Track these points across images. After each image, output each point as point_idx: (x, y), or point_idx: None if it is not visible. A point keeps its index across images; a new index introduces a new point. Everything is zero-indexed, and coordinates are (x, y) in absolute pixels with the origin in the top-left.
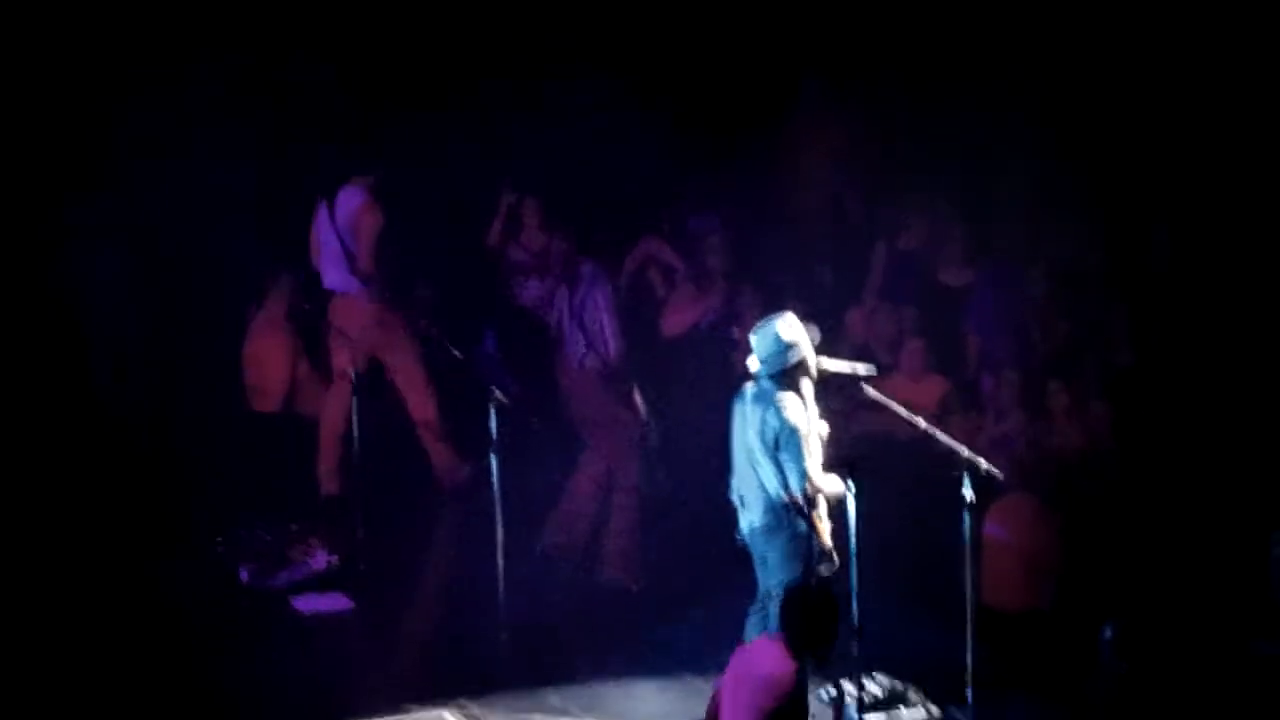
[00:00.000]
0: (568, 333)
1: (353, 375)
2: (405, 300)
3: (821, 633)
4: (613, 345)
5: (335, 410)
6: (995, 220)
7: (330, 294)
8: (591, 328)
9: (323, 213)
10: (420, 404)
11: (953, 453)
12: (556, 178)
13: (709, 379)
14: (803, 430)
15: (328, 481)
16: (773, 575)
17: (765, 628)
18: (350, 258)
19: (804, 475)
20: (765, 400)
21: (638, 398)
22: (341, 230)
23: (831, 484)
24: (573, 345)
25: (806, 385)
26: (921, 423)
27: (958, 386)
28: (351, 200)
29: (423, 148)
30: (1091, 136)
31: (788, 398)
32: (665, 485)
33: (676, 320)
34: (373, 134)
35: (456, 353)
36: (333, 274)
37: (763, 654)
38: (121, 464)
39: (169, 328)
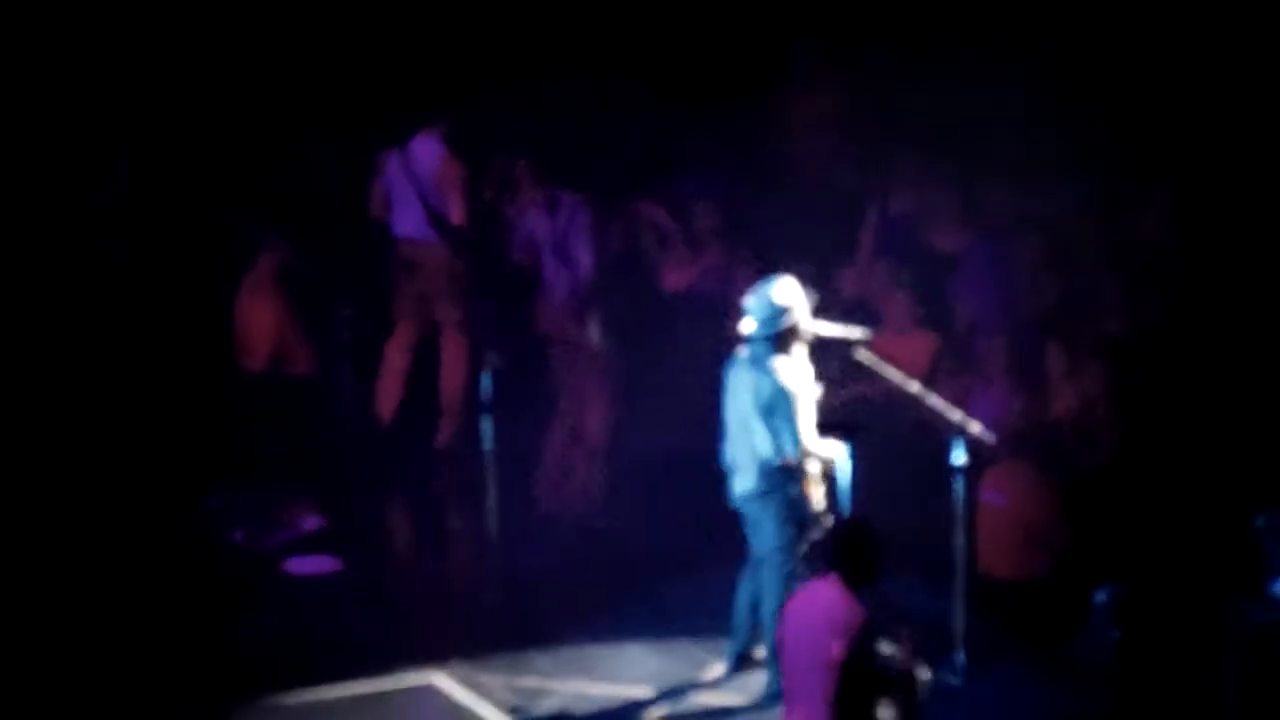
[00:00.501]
0: (548, 267)
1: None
2: (477, 257)
3: (872, 566)
4: (584, 264)
5: (395, 351)
6: (988, 185)
7: (400, 242)
8: (572, 254)
9: (394, 163)
10: (456, 362)
11: (944, 417)
12: (548, 142)
13: (702, 343)
14: (796, 394)
15: (385, 403)
16: (766, 540)
17: (757, 592)
18: (428, 207)
19: (797, 439)
20: (759, 364)
21: (592, 323)
22: (422, 180)
23: (825, 448)
24: (553, 278)
25: (800, 349)
26: (915, 387)
27: (949, 349)
28: (429, 151)
29: (413, 116)
30: (1089, 99)
31: (782, 361)
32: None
33: (673, 280)
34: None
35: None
36: (408, 222)
37: (822, 598)
38: (115, 424)
39: (162, 286)
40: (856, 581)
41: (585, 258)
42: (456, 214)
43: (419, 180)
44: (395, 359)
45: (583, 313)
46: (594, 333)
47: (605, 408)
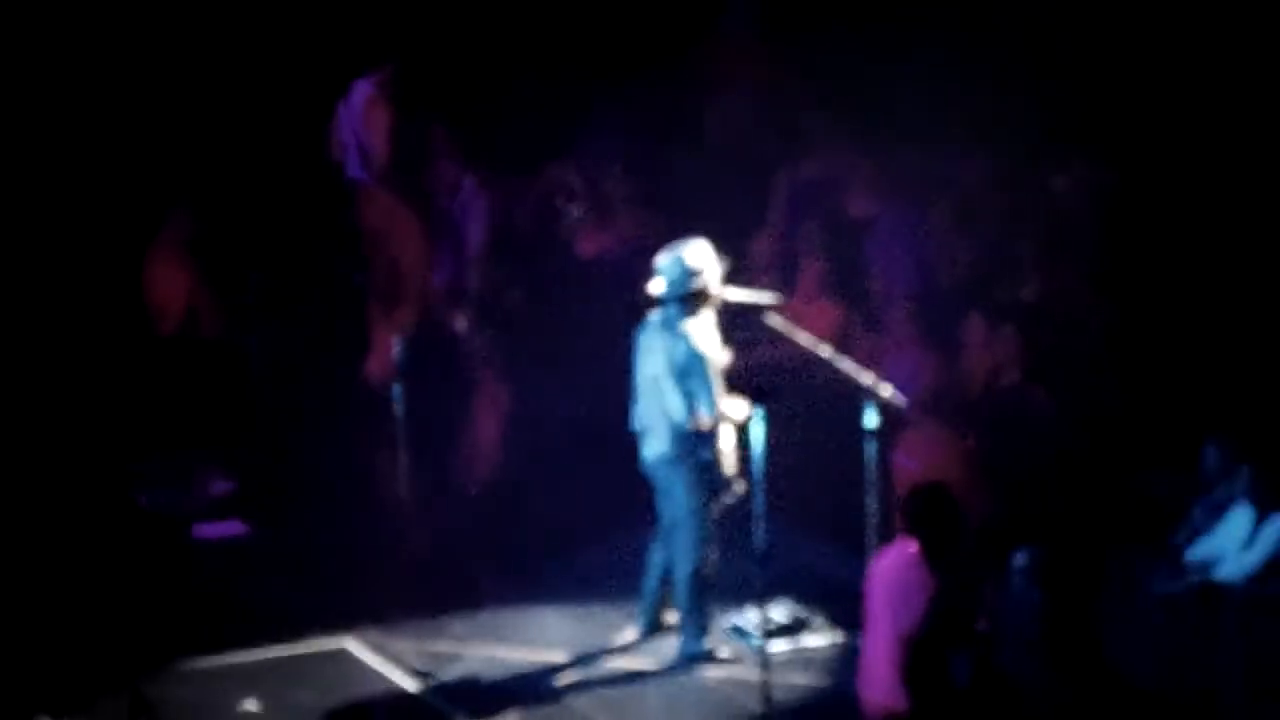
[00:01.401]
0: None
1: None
2: (416, 193)
3: (952, 535)
4: (473, 246)
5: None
6: (900, 152)
7: (353, 184)
8: (465, 236)
9: (342, 108)
10: (402, 301)
11: (856, 381)
12: (461, 104)
13: (613, 308)
14: (709, 358)
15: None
16: (677, 505)
17: (669, 557)
18: (361, 150)
19: (712, 401)
20: (671, 328)
21: (461, 315)
22: (355, 123)
23: (736, 411)
24: (439, 260)
25: (711, 313)
26: (825, 351)
27: (861, 315)
28: (360, 94)
29: (328, 79)
30: (1001, 64)
31: (693, 325)
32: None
33: (586, 247)
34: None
35: (357, 278)
36: (353, 164)
37: (899, 562)
38: (22, 388)
39: (73, 251)
40: (935, 550)
41: (476, 239)
42: (378, 154)
43: (353, 122)
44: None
45: (458, 301)
46: (461, 324)
47: (498, 400)
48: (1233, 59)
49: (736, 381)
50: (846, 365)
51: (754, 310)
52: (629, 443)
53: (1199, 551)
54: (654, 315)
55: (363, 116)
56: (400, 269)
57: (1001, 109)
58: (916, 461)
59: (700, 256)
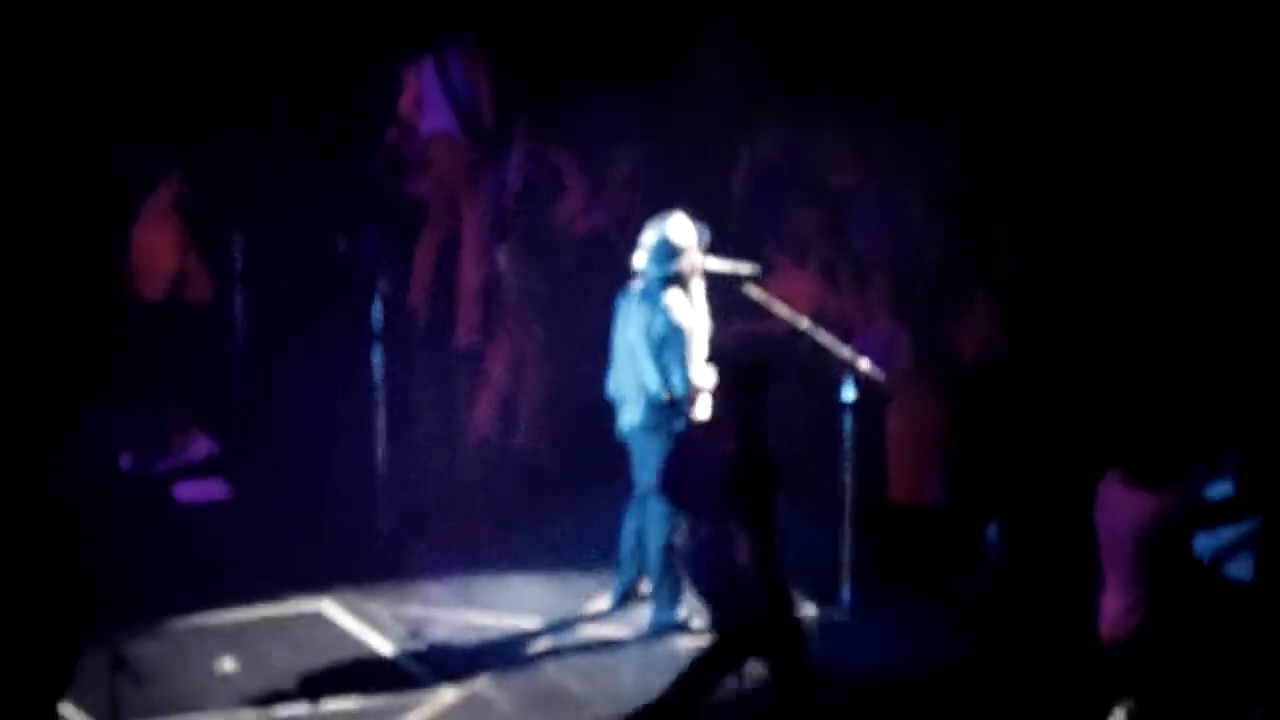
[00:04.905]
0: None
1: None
2: (496, 153)
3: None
4: (510, 189)
5: (427, 255)
6: (875, 138)
7: (430, 140)
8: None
9: (428, 67)
10: (473, 259)
11: (834, 354)
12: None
13: (593, 278)
14: (689, 330)
15: (418, 300)
16: (650, 474)
17: (642, 526)
18: (458, 108)
19: (685, 376)
20: (652, 299)
21: (500, 253)
22: (455, 82)
23: (709, 382)
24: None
25: (694, 284)
26: (803, 323)
27: (838, 286)
28: (460, 58)
29: (314, 40)
30: (976, 55)
31: (675, 296)
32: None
33: (578, 223)
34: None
35: (341, 243)
36: (436, 119)
37: (1121, 498)
38: (7, 347)
39: (56, 214)
40: (1154, 477)
41: (514, 182)
42: (485, 114)
43: (452, 82)
44: (425, 258)
45: (500, 238)
46: (502, 260)
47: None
48: (1221, 57)
49: (715, 353)
50: (824, 338)
51: (733, 280)
52: (603, 409)
53: None
54: (635, 284)
55: (464, 74)
56: (472, 226)
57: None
58: (900, 420)
59: (681, 229)
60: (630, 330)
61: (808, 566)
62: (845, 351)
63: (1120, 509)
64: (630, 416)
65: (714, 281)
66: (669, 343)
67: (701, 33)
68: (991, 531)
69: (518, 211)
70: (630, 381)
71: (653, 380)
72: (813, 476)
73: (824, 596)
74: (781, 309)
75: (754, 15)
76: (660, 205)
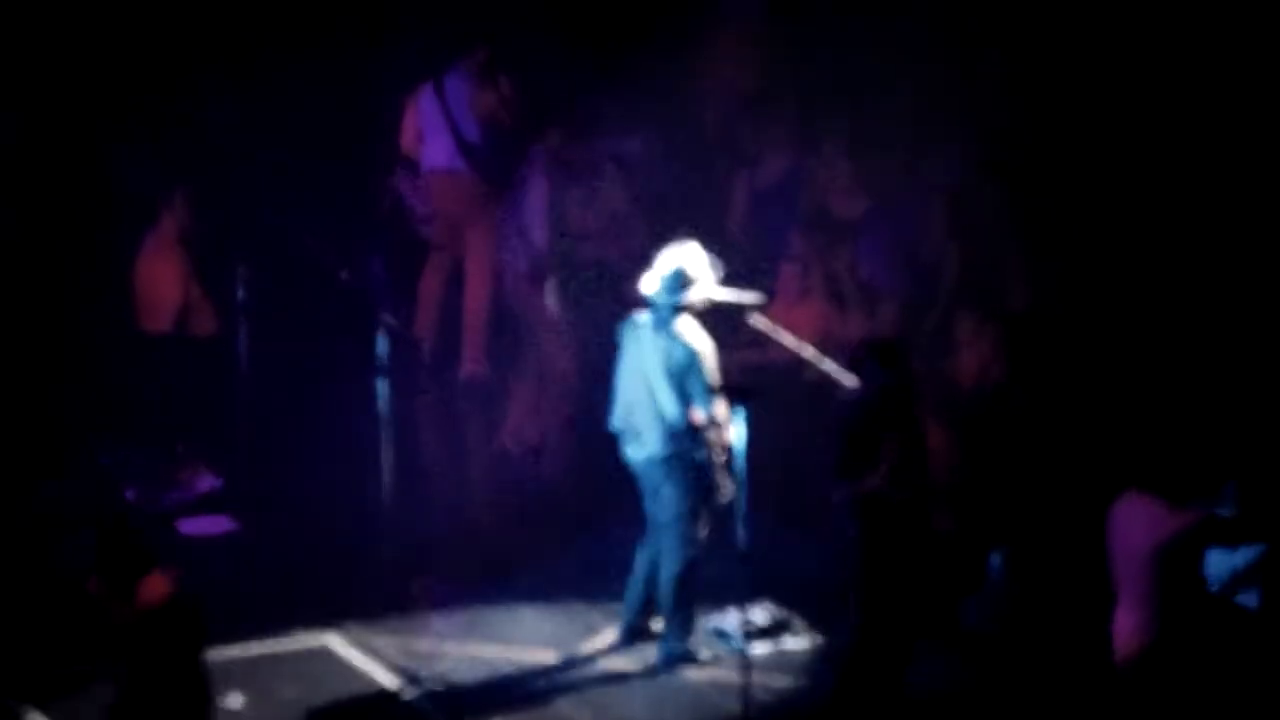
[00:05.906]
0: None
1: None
2: (502, 181)
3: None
4: (539, 238)
5: (433, 283)
6: (884, 156)
7: (431, 174)
8: (527, 226)
9: (428, 94)
10: (479, 288)
11: (838, 382)
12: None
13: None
14: (707, 356)
15: (424, 329)
16: (665, 506)
17: (654, 560)
18: (459, 137)
19: (707, 401)
20: (666, 328)
21: (549, 291)
22: (454, 110)
23: (723, 411)
24: (511, 253)
25: (697, 313)
26: (808, 351)
27: (843, 313)
28: (464, 82)
29: (318, 68)
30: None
31: (690, 324)
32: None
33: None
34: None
35: (344, 274)
36: (437, 153)
37: (1141, 515)
38: (8, 382)
39: (60, 245)
40: (1179, 494)
41: (539, 231)
42: (488, 143)
43: (450, 109)
44: (430, 286)
45: (540, 282)
46: (551, 300)
47: (567, 363)
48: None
49: (721, 382)
50: (830, 365)
51: (738, 310)
52: (613, 441)
53: None
54: (642, 315)
55: (467, 104)
56: (477, 255)
57: (985, 113)
58: None
59: (697, 262)
60: (642, 362)
61: (812, 595)
62: (850, 379)
63: (1139, 526)
64: (645, 448)
65: (717, 311)
66: (692, 369)
67: (709, 49)
68: (995, 559)
69: (552, 251)
70: (645, 413)
71: (671, 410)
72: (817, 503)
73: (827, 625)
74: (786, 337)
75: (760, 36)
76: (663, 230)
